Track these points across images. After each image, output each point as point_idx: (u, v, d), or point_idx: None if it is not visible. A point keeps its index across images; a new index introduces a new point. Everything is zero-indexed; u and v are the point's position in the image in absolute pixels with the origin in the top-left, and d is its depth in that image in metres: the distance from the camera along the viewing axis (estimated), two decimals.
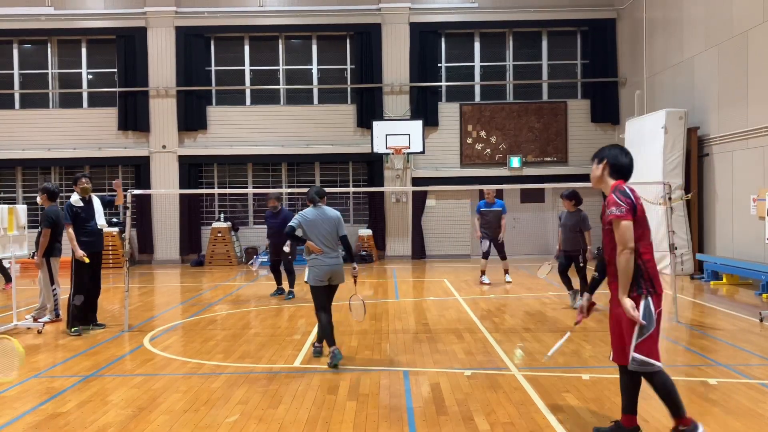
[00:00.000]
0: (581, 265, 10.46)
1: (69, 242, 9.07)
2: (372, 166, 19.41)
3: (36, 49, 20.02)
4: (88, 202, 9.36)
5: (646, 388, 6.28)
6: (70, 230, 9.09)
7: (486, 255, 13.72)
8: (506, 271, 13.94)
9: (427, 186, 18.38)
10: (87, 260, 8.99)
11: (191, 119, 19.51)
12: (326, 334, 7.25)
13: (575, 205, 10.51)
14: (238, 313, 10.79)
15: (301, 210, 12.21)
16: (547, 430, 5.11)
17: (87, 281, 9.18)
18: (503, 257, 13.76)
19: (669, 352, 7.87)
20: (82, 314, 9.15)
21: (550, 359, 6.07)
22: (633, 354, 4.44)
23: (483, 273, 13.84)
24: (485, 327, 9.11)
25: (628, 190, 4.48)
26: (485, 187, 13.32)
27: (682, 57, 15.67)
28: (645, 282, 4.42)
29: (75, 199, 9.27)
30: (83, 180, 9.36)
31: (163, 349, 8.12)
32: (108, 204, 9.68)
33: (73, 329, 8.96)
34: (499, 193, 19.51)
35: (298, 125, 19.49)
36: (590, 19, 19.43)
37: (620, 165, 4.62)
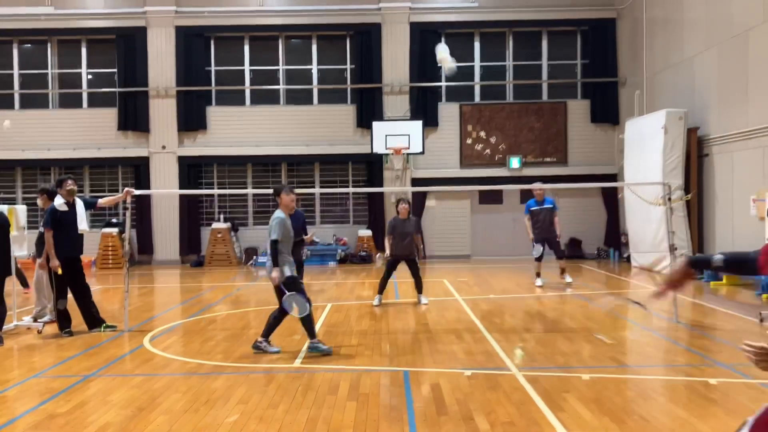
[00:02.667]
0: (417, 265, 11.03)
1: (47, 248, 8.72)
2: (372, 166, 19.40)
3: (36, 49, 20.01)
4: (71, 206, 9.00)
5: (645, 389, 6.31)
6: (50, 236, 8.72)
7: (540, 257, 13.01)
8: (564, 271, 13.19)
9: (427, 186, 18.37)
10: (60, 271, 8.72)
11: (191, 119, 19.50)
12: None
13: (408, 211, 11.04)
14: (237, 313, 10.80)
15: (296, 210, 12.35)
16: (547, 430, 5.10)
17: (68, 284, 8.95)
18: (560, 256, 13.15)
19: (669, 352, 7.89)
20: (69, 315, 9.00)
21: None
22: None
23: (538, 275, 13.11)
24: (485, 327, 9.11)
25: None
26: (533, 186, 12.70)
27: (682, 57, 15.67)
28: None
29: (59, 203, 8.87)
30: (69, 182, 9.01)
31: (163, 349, 8.12)
32: (90, 206, 9.50)
33: (64, 331, 8.92)
34: (500, 194, 19.59)
35: (298, 125, 19.47)
36: (590, 18, 19.40)
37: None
